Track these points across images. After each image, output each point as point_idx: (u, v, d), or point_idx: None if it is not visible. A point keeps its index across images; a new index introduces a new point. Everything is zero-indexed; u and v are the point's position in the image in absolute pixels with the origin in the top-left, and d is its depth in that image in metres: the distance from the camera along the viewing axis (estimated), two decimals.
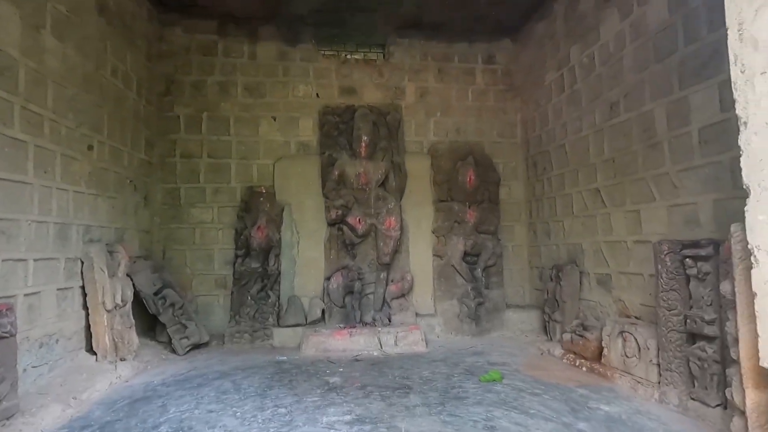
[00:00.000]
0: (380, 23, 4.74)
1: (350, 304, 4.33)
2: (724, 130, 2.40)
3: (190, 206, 4.53)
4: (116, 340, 3.26)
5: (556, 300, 4.02)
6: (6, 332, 2.15)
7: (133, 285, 3.58)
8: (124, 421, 2.42)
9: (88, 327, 3.20)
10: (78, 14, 3.19)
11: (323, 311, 4.35)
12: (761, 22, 1.47)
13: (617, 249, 3.43)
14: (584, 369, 3.25)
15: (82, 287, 3.16)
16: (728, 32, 1.59)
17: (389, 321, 4.30)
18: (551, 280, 4.14)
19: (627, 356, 2.93)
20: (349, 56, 4.98)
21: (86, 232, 3.23)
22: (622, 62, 3.32)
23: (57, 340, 2.88)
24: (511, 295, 4.74)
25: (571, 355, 3.47)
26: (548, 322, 4.10)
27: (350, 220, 4.40)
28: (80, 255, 3.14)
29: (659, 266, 2.59)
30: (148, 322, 3.94)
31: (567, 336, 3.62)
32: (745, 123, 1.54)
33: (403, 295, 4.46)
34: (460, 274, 4.56)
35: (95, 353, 3.17)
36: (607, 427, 2.23)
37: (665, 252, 2.54)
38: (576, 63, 3.93)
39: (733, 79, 1.58)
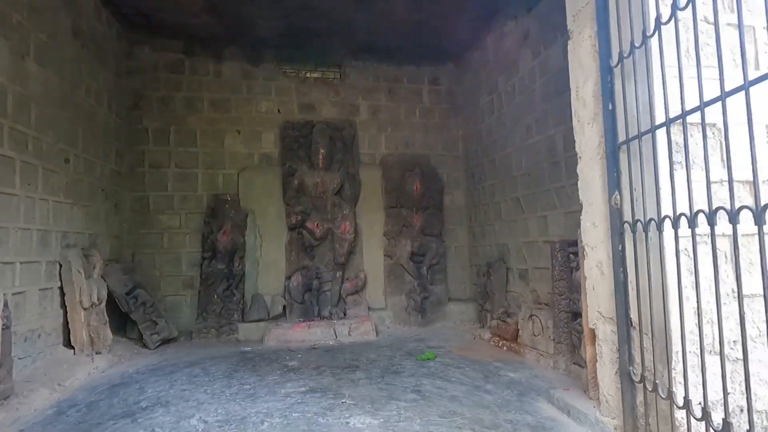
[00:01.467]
0: (336, 47, 5.25)
1: (309, 301, 4.81)
2: None
3: (158, 213, 4.87)
4: (92, 335, 3.60)
5: (488, 292, 4.68)
6: (4, 324, 2.50)
7: (107, 286, 3.91)
8: (106, 401, 2.81)
9: (65, 324, 3.52)
10: (56, 39, 3.52)
11: (284, 307, 4.81)
12: (587, 88, 2.11)
13: (532, 248, 4.12)
14: (504, 348, 3.90)
15: (60, 288, 3.48)
16: (570, 93, 2.24)
17: (344, 314, 4.81)
18: (484, 275, 4.80)
19: (534, 335, 3.60)
20: (308, 75, 5.45)
21: (64, 237, 3.56)
22: (534, 93, 4.01)
23: (39, 335, 3.20)
24: (452, 290, 5.37)
25: (497, 338, 4.12)
26: (481, 312, 4.75)
27: (309, 224, 4.89)
28: (59, 258, 3.46)
29: (553, 261, 3.26)
30: (119, 321, 4.25)
31: (494, 322, 4.27)
32: (581, 157, 2.18)
33: (357, 292, 4.99)
34: (408, 272, 5.15)
35: (73, 347, 3.50)
36: (507, 387, 2.85)
37: (557, 250, 3.21)
38: (502, 90, 4.62)
39: (573, 126, 2.22)
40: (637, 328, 1.83)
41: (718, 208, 1.41)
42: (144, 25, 4.80)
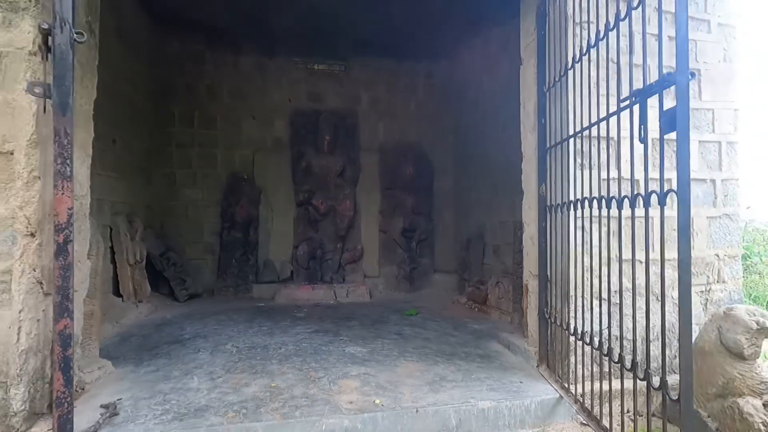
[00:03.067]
0: (342, 43, 5.85)
1: (313, 267, 5.58)
2: None
3: (183, 187, 5.58)
4: (136, 287, 4.38)
5: (467, 264, 5.44)
6: None
7: (145, 247, 4.67)
8: (156, 334, 3.60)
9: (114, 277, 4.29)
10: (105, 39, 4.16)
11: (292, 272, 5.58)
12: (530, 105, 2.80)
13: (504, 227, 4.84)
14: (476, 309, 4.68)
15: (111, 247, 4.24)
16: (520, 106, 2.93)
17: (344, 280, 5.59)
18: (465, 250, 5.55)
19: (499, 298, 4.38)
20: (316, 68, 6.07)
21: (113, 206, 4.29)
22: (510, 94, 4.64)
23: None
24: (438, 262, 6.13)
25: (471, 302, 4.90)
26: (461, 281, 5.53)
27: (314, 201, 5.61)
28: (110, 223, 4.21)
29: (515, 237, 4.01)
30: (151, 279, 5.02)
31: (470, 289, 5.04)
32: (524, 157, 2.89)
33: (354, 261, 5.76)
34: (399, 246, 5.90)
35: (121, 296, 4.28)
36: (470, 333, 3.63)
37: (517, 228, 3.95)
38: (485, 89, 5.26)
39: (521, 132, 2.92)
40: (551, 281, 2.57)
41: (602, 197, 2.12)
42: (171, 21, 5.40)
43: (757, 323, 2.04)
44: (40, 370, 1.95)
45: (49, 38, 1.08)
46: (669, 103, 1.59)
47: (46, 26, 1.11)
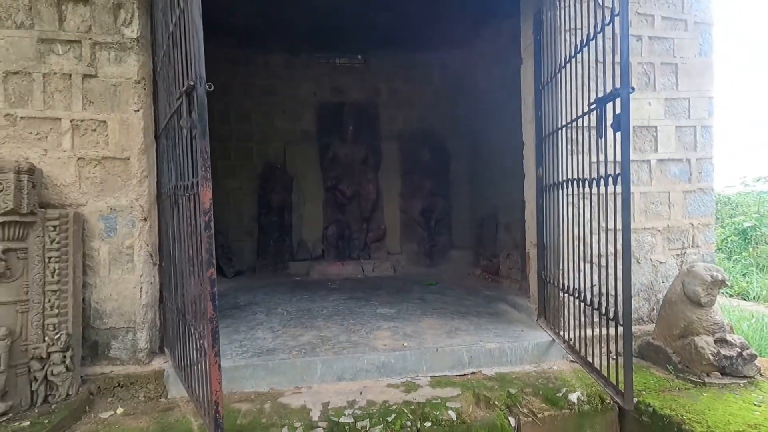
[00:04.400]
0: (361, 39, 6.31)
1: (342, 246, 6.20)
2: None
3: (224, 178, 6.23)
4: None
5: (481, 240, 5.96)
6: None
7: None
8: (218, 302, 4.28)
9: None
10: None
11: (323, 250, 6.22)
12: (529, 99, 3.27)
13: (514, 205, 5.32)
14: (489, 280, 5.22)
15: None
16: (521, 101, 3.39)
17: (369, 257, 6.19)
18: (479, 227, 6.06)
19: (509, 268, 4.90)
20: (337, 62, 6.56)
21: None
22: (516, 85, 5.06)
23: None
24: (455, 239, 6.65)
25: (485, 274, 5.44)
26: (476, 256, 6.06)
27: (341, 187, 6.19)
28: None
29: (523, 214, 4.49)
30: None
31: (484, 262, 5.58)
32: (524, 144, 3.37)
33: (378, 240, 6.35)
34: (419, 225, 6.45)
35: None
36: (482, 298, 4.19)
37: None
38: (497, 78, 5.67)
39: (522, 122, 3.40)
40: (547, 248, 3.08)
41: (584, 178, 2.61)
42: (206, 26, 5.94)
43: (712, 277, 2.52)
44: (153, 320, 2.62)
45: (193, 92, 1.64)
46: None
47: (191, 83, 1.67)
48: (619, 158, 2.02)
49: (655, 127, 3.05)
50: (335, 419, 2.14)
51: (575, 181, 2.64)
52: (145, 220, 2.52)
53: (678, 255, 3.11)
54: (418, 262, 6.38)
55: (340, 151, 6.23)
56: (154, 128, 2.64)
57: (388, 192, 6.49)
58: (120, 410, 2.31)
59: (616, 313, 2.22)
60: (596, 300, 2.44)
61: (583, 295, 2.61)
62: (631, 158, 2.91)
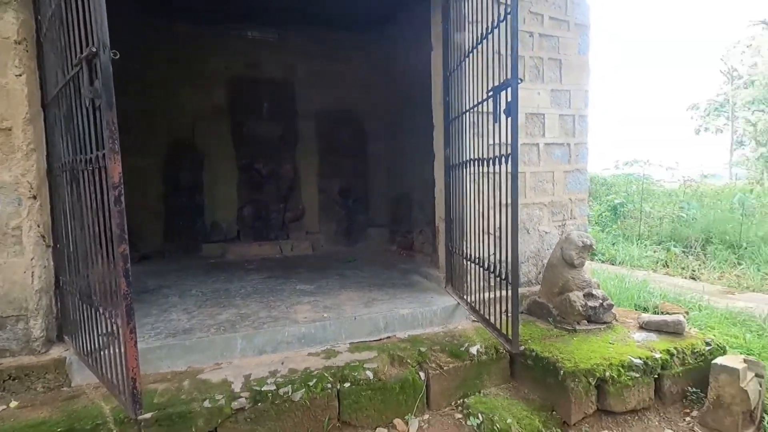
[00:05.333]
0: (277, 12, 6.10)
1: (259, 226, 6.09)
2: None
3: (125, 153, 5.68)
4: None
5: (397, 218, 6.27)
6: None
7: None
8: None
9: None
10: None
11: (239, 231, 6.05)
12: (438, 85, 3.51)
13: (428, 184, 5.66)
14: (404, 255, 5.54)
15: None
16: (432, 85, 3.63)
17: (288, 237, 6.17)
18: (395, 205, 6.36)
19: (422, 243, 5.26)
20: (251, 36, 6.28)
21: None
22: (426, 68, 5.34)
23: None
24: (373, 218, 6.88)
25: (400, 249, 5.76)
26: (393, 233, 6.36)
27: (256, 166, 6.03)
28: None
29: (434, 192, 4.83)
30: None
31: (399, 238, 5.90)
32: (435, 126, 3.64)
33: (297, 219, 6.34)
34: (337, 205, 6.56)
35: None
36: (397, 271, 4.47)
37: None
38: (412, 62, 5.89)
39: (433, 105, 3.64)
40: (453, 222, 3.40)
41: (485, 158, 2.91)
42: None
43: (582, 242, 3.01)
44: (49, 306, 2.43)
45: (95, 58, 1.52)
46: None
47: (94, 49, 1.55)
48: (510, 141, 2.32)
49: (543, 114, 3.49)
50: (258, 388, 2.22)
51: (477, 161, 2.95)
52: (35, 198, 2.29)
53: (559, 226, 3.63)
54: (337, 241, 6.51)
55: (255, 129, 6.04)
56: (40, 96, 2.38)
57: (306, 171, 6.47)
58: (14, 403, 2.14)
59: (507, 275, 2.58)
60: (493, 266, 2.79)
61: (484, 262, 2.95)
62: (523, 141, 3.32)
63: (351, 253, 5.92)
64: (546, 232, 3.59)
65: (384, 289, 3.64)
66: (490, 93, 2.44)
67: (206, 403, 2.10)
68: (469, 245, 3.19)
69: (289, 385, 2.25)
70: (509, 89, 2.19)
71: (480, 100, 2.77)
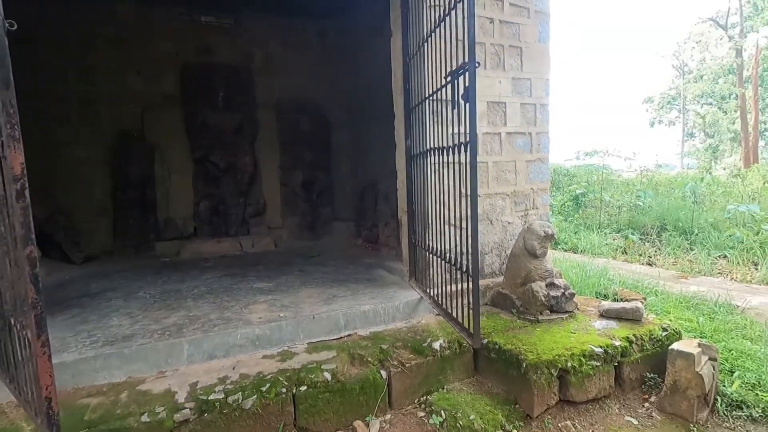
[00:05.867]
0: None
1: (217, 222, 5.80)
2: None
3: (63, 145, 5.25)
4: None
5: (362, 211, 6.13)
6: None
7: None
8: (60, 292, 3.67)
9: None
10: None
11: (195, 228, 5.74)
12: (398, 71, 3.39)
13: (393, 176, 5.55)
14: (370, 249, 5.43)
15: None
16: (392, 73, 3.50)
17: (248, 233, 5.92)
18: (360, 198, 6.21)
19: (387, 236, 5.15)
20: (203, 20, 5.91)
21: None
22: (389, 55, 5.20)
23: None
24: (337, 211, 6.72)
25: (366, 243, 5.63)
26: (357, 226, 6.22)
27: (213, 158, 5.73)
28: None
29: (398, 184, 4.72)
30: (38, 247, 4.83)
31: (365, 232, 5.77)
32: (395, 115, 3.51)
33: (258, 214, 6.09)
34: (300, 198, 6.35)
35: None
36: (362, 266, 4.34)
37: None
38: (375, 49, 5.72)
39: (393, 93, 3.51)
40: (415, 214, 3.31)
41: (445, 147, 2.82)
42: None
43: (545, 232, 2.98)
44: None
45: None
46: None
47: None
48: (469, 129, 2.22)
49: (505, 103, 3.43)
50: (204, 397, 2.05)
51: (437, 150, 2.85)
52: None
53: (522, 216, 3.61)
54: (301, 236, 6.31)
55: (211, 119, 5.72)
56: None
57: (266, 164, 6.22)
58: None
59: (468, 268, 2.50)
60: (455, 258, 2.71)
61: (446, 255, 2.87)
62: (485, 131, 3.24)
63: (316, 248, 5.74)
64: (509, 223, 3.56)
65: (346, 285, 3.50)
66: (448, 78, 2.34)
67: (144, 417, 1.91)
68: (431, 237, 3.10)
69: (240, 392, 2.09)
70: (467, 74, 2.09)
71: (439, 86, 2.67)
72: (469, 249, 2.37)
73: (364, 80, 6.19)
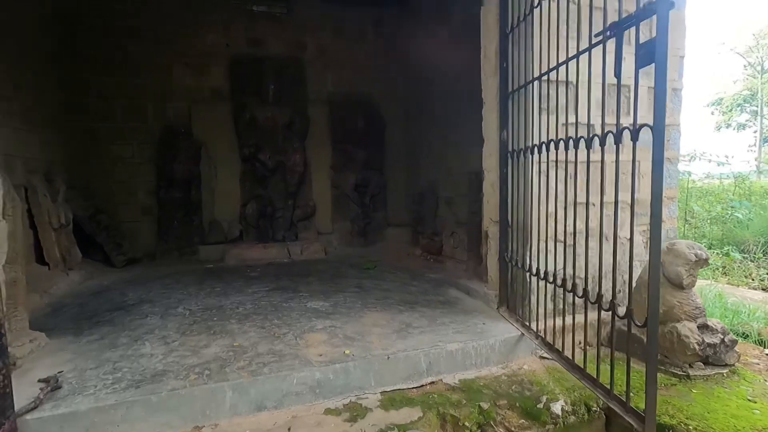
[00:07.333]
0: None
1: (263, 226, 5.35)
2: None
3: (109, 143, 4.99)
4: (64, 253, 3.94)
5: (420, 217, 5.49)
6: None
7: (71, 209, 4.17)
8: (94, 302, 3.29)
9: (36, 243, 3.81)
10: None
11: (241, 231, 5.32)
12: (491, 48, 2.73)
13: (456, 179, 4.88)
14: (431, 260, 4.77)
15: (28, 210, 3.73)
16: (481, 52, 2.84)
17: (296, 238, 5.43)
18: (417, 203, 5.58)
19: (454, 247, 4.48)
20: (255, 9, 5.52)
21: (26, 163, 3.73)
22: (465, 42, 4.54)
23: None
24: (391, 216, 6.12)
25: (425, 253, 4.98)
26: (414, 234, 5.58)
27: (261, 156, 5.29)
28: (24, 182, 3.67)
29: (470, 188, 4.05)
30: (81, 246, 4.53)
31: (424, 241, 5.12)
32: (485, 103, 2.85)
33: (307, 218, 5.60)
34: (352, 201, 5.80)
35: (47, 264, 3.83)
36: (428, 282, 3.70)
37: (473, 179, 3.98)
38: (437, 37, 5.10)
39: (482, 77, 2.86)
40: (511, 226, 2.63)
41: (560, 139, 2.14)
42: None
43: (696, 255, 2.22)
44: None
45: None
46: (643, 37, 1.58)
47: None
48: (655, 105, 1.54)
49: (629, 86, 2.68)
50: None
51: (552, 144, 2.17)
52: None
53: (644, 231, 2.83)
54: (351, 242, 5.76)
55: (260, 114, 5.29)
56: None
57: (317, 163, 5.72)
58: None
59: (612, 303, 1.81)
60: (579, 284, 2.02)
61: (561, 279, 2.18)
62: (601, 122, 2.50)
63: (368, 255, 5.17)
64: (627, 239, 2.78)
65: (418, 309, 2.87)
66: (608, 33, 1.66)
67: None
68: (536, 256, 2.42)
69: None
70: (653, 18, 1.41)
71: (555, 63, 2.00)
72: (617, 275, 1.68)
73: (422, 72, 5.57)
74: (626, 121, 2.52)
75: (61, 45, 4.56)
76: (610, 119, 2.56)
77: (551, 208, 2.32)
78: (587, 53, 1.91)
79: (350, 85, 5.87)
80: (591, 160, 2.13)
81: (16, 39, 3.71)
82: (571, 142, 2.07)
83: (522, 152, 2.47)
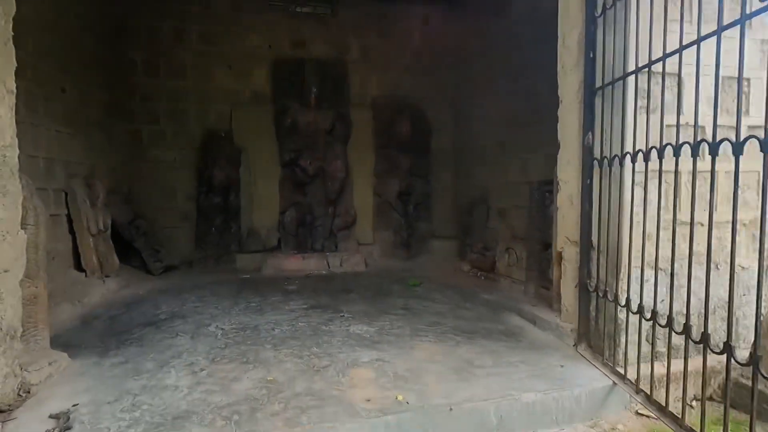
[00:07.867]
0: None
1: (302, 234, 5.11)
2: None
3: (151, 146, 4.93)
4: (101, 260, 3.83)
5: (469, 229, 5.06)
6: None
7: (110, 215, 4.08)
8: (126, 314, 3.11)
9: (74, 249, 3.73)
10: None
11: (279, 240, 5.10)
12: (573, 36, 2.31)
13: (512, 188, 4.43)
14: (482, 278, 4.34)
15: (67, 215, 3.65)
16: (558, 40, 2.43)
17: (336, 248, 5.15)
18: (466, 214, 5.16)
19: (509, 265, 4.03)
20: (298, 10, 5.33)
21: (66, 167, 3.66)
22: (522, 39, 4.11)
23: (53, 257, 3.40)
24: (436, 227, 5.72)
25: (475, 269, 4.56)
26: (462, 247, 5.16)
27: (302, 162, 5.06)
28: (64, 187, 3.59)
29: (531, 199, 3.60)
30: (120, 251, 4.45)
31: (473, 255, 4.69)
32: (561, 101, 2.43)
33: (347, 227, 5.31)
34: (395, 210, 5.46)
35: (84, 271, 3.73)
36: (483, 305, 3.28)
37: (535, 189, 3.54)
38: (492, 35, 4.69)
39: (558, 72, 2.44)
40: (596, 248, 2.19)
41: (666, 145, 1.71)
42: None
43: None
44: None
45: None
46: None
47: None
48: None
49: (749, 80, 2.19)
50: None
51: (662, 150, 1.73)
52: None
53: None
54: (393, 254, 5.41)
55: (301, 118, 5.07)
56: None
57: (359, 170, 5.42)
58: None
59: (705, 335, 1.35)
60: (695, 325, 1.58)
61: (666, 317, 1.74)
62: (719, 122, 2.02)
63: (411, 269, 4.81)
64: (743, 268, 2.27)
65: (477, 341, 2.47)
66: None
67: None
68: (628, 286, 1.97)
69: None
70: None
71: (682, 45, 1.57)
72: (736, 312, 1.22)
73: (474, 73, 5.18)
74: (744, 122, 2.04)
75: (106, 46, 4.52)
76: (724, 120, 2.07)
77: (650, 229, 1.88)
78: (716, 38, 1.48)
79: (395, 88, 5.56)
80: (700, 170, 1.68)
81: (62, 39, 3.65)
82: (687, 147, 1.63)
83: (614, 160, 2.03)
